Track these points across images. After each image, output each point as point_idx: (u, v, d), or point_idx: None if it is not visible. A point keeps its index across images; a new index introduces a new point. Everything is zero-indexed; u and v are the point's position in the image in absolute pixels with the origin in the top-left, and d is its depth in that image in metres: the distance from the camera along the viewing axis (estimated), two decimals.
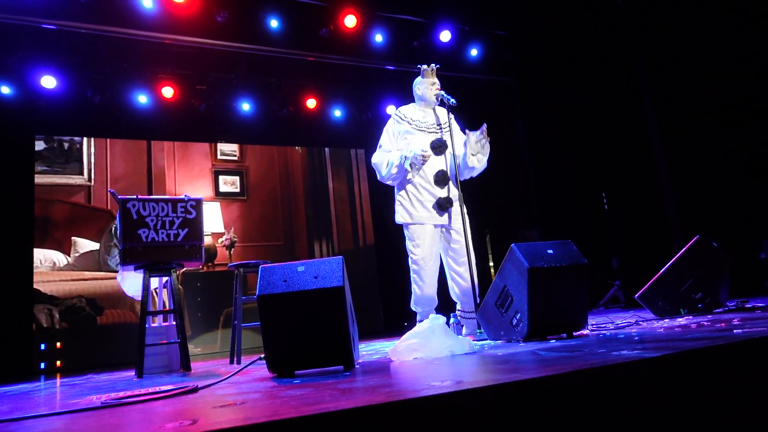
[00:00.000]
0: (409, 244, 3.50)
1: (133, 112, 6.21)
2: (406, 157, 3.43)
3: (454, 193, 3.49)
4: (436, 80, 3.65)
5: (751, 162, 5.31)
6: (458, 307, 3.55)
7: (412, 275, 3.47)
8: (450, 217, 3.48)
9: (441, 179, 3.47)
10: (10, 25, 4.77)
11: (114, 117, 6.19)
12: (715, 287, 3.26)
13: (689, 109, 5.46)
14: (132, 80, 6.03)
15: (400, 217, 3.54)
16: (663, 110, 5.54)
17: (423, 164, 3.41)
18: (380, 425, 1.18)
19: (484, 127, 3.48)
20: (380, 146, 3.67)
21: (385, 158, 3.58)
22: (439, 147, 3.50)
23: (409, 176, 3.49)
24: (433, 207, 3.45)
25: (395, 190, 3.63)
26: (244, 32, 5.52)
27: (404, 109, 3.71)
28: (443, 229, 3.51)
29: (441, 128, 3.60)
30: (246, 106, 6.67)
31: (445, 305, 3.59)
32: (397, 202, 3.58)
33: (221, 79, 6.36)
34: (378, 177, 3.68)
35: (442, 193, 3.47)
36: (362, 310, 7.07)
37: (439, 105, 3.70)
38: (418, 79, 3.70)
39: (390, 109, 6.94)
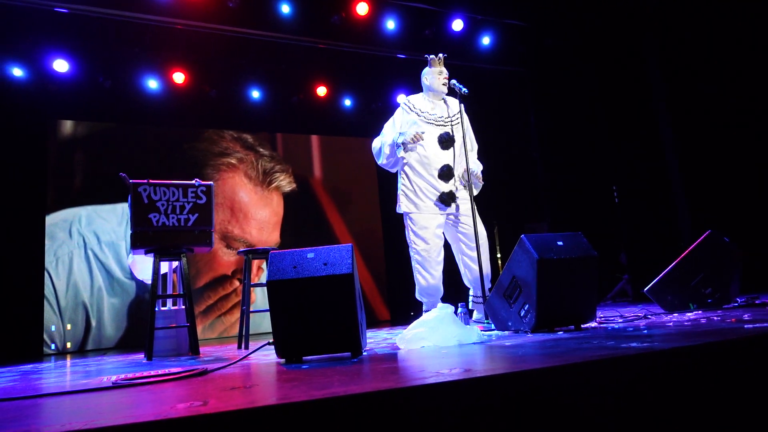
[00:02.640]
0: (410, 235, 3.45)
1: (144, 97, 6.23)
2: (401, 133, 3.42)
3: (459, 186, 3.48)
4: (443, 69, 3.60)
5: (765, 156, 5.23)
6: (471, 292, 3.54)
7: (414, 265, 3.43)
8: (457, 206, 3.46)
9: (445, 174, 3.43)
10: (22, 7, 4.78)
11: (125, 102, 6.21)
12: (726, 283, 3.23)
13: (701, 102, 5.39)
14: (143, 65, 6.04)
15: (403, 206, 3.50)
16: (674, 103, 5.47)
17: (417, 143, 3.39)
18: (388, 410, 1.19)
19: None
20: (382, 133, 3.65)
21: (380, 142, 3.59)
22: (446, 141, 3.46)
23: (401, 154, 3.44)
24: (436, 203, 3.43)
25: (398, 179, 3.60)
26: (255, 18, 5.49)
27: (413, 98, 3.65)
28: (451, 217, 3.49)
29: (451, 121, 3.55)
30: (256, 93, 6.66)
31: (450, 295, 3.59)
32: (399, 192, 3.54)
33: (232, 66, 6.35)
34: (377, 162, 3.66)
35: (445, 188, 3.44)
36: (369, 299, 7.14)
37: (449, 94, 3.66)
38: (426, 69, 3.65)
39: (401, 98, 6.90)
